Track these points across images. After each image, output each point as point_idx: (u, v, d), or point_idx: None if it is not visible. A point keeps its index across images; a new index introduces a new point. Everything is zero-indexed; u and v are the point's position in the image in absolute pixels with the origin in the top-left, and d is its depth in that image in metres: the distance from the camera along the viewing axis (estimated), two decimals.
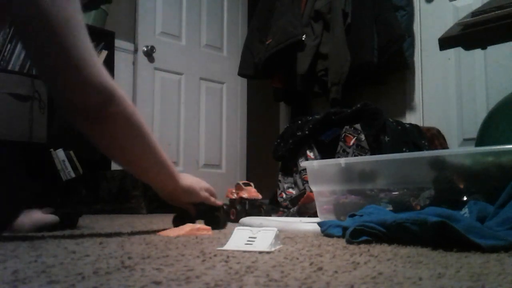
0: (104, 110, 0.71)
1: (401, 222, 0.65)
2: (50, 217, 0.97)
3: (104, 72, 0.71)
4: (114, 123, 0.74)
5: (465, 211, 0.77)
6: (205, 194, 1.00)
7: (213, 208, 1.03)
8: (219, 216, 1.06)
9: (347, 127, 1.82)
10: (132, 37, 2.89)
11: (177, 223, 1.01)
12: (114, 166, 2.64)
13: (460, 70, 2.34)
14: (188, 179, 0.95)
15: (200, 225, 0.90)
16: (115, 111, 0.73)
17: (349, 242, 0.68)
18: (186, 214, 1.01)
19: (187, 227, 0.88)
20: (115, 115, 0.73)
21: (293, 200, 1.90)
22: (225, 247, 0.61)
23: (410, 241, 0.64)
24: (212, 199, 1.03)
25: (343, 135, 1.81)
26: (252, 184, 1.54)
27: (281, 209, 1.91)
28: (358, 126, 1.80)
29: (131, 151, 0.80)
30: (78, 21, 0.68)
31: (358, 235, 0.68)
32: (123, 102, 0.74)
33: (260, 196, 1.49)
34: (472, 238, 0.56)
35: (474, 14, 1.29)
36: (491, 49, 1.72)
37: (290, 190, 2.01)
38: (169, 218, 1.69)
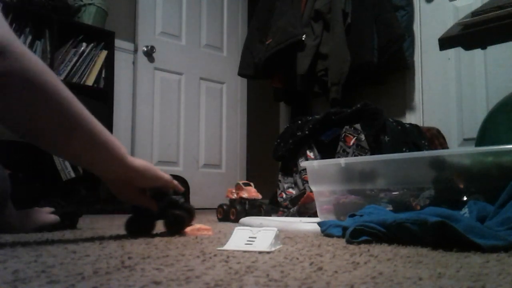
0: None
1: (401, 222, 0.65)
2: (50, 217, 0.97)
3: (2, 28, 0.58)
4: (8, 86, 0.59)
5: (465, 211, 0.77)
6: (166, 175, 0.83)
7: (175, 202, 0.85)
8: (183, 216, 0.85)
9: (347, 127, 1.82)
10: (132, 37, 2.89)
11: (132, 227, 0.85)
12: None
13: (460, 70, 2.34)
14: (139, 160, 0.79)
15: (200, 225, 0.90)
16: (8, 69, 0.58)
17: (349, 242, 0.68)
18: (144, 213, 0.84)
19: (187, 227, 0.88)
20: (7, 75, 0.58)
21: (293, 200, 1.90)
22: (225, 247, 0.61)
23: (410, 241, 0.64)
24: (175, 182, 0.85)
25: (343, 135, 1.81)
26: (252, 184, 1.54)
27: (281, 209, 1.91)
28: (358, 126, 1.80)
29: (43, 127, 0.64)
30: None
31: (358, 235, 0.68)
32: (21, 59, 0.59)
33: (260, 196, 1.49)
34: (472, 238, 0.56)
35: (474, 14, 1.29)
36: (491, 49, 1.72)
37: (290, 190, 2.01)
38: None
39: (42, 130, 0.64)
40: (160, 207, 0.82)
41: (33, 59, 0.61)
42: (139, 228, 0.85)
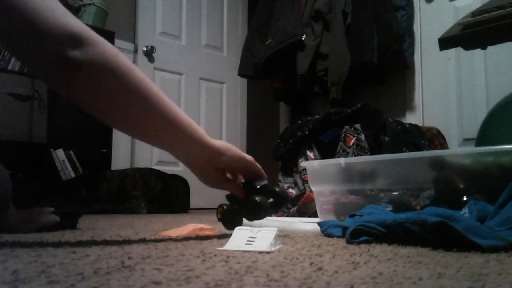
0: (74, 57, 0.58)
1: (401, 222, 0.65)
2: (51, 217, 0.97)
3: (67, 16, 0.59)
4: (92, 72, 0.60)
5: (465, 211, 0.77)
6: (248, 155, 0.79)
7: (262, 188, 0.78)
8: (260, 203, 0.77)
9: (347, 127, 1.82)
10: (132, 37, 2.89)
11: (226, 216, 0.80)
12: (114, 166, 2.65)
13: (460, 70, 2.34)
14: (218, 140, 0.77)
15: (202, 225, 0.90)
16: (90, 56, 0.59)
17: (349, 242, 0.68)
18: (235, 204, 0.80)
19: (189, 227, 0.88)
20: (90, 61, 0.59)
21: (293, 200, 1.90)
22: (225, 247, 0.61)
23: (410, 241, 0.64)
24: (258, 165, 0.80)
25: (343, 135, 1.81)
26: None
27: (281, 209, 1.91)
28: (358, 126, 1.80)
29: (125, 109, 0.65)
30: None
31: (358, 235, 0.68)
32: (100, 45, 0.61)
33: None
34: (472, 238, 0.56)
35: (474, 14, 1.29)
36: (491, 49, 1.72)
37: (290, 190, 2.01)
38: (168, 218, 1.70)
39: (125, 112, 0.65)
40: (248, 189, 0.78)
41: (107, 44, 0.62)
42: (232, 217, 0.80)
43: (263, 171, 0.80)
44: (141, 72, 0.65)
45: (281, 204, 0.78)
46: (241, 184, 0.79)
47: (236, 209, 0.80)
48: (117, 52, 0.63)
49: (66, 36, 0.58)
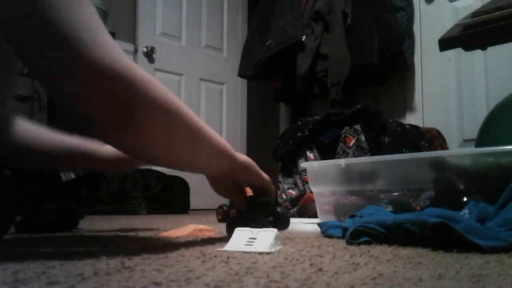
0: (125, 100, 0.50)
1: (401, 223, 0.65)
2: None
3: (116, 51, 0.51)
4: (145, 115, 0.52)
5: (465, 212, 0.77)
6: (265, 174, 0.79)
7: (265, 204, 0.79)
8: (284, 213, 0.81)
9: (347, 127, 1.82)
10: (132, 38, 2.89)
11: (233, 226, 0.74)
12: None
13: (460, 70, 2.34)
14: (243, 156, 0.76)
15: (202, 226, 0.90)
16: (142, 97, 0.51)
17: (349, 243, 0.68)
18: (243, 215, 0.81)
19: (189, 228, 0.88)
20: (142, 104, 0.52)
21: (293, 201, 1.90)
22: (225, 248, 0.61)
23: (410, 242, 0.64)
24: (272, 186, 0.80)
25: (343, 135, 1.81)
26: None
27: None
28: (358, 127, 1.80)
29: (177, 148, 0.61)
30: None
31: (358, 236, 0.68)
32: (151, 86, 0.53)
33: None
34: (473, 239, 0.56)
35: (474, 15, 1.29)
36: (491, 50, 1.72)
37: (290, 191, 2.01)
38: (168, 219, 1.69)
39: (176, 151, 0.61)
40: (253, 202, 0.79)
41: (157, 83, 0.55)
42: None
43: (273, 192, 0.81)
44: (187, 108, 0.61)
45: (279, 226, 0.78)
46: (247, 198, 0.81)
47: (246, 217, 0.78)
48: (166, 91, 0.56)
49: (116, 76, 0.49)
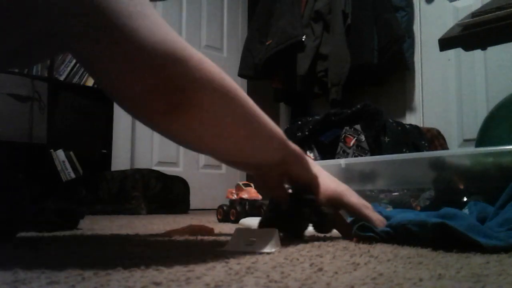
0: (177, 79, 0.45)
1: (404, 223, 0.65)
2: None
3: (161, 26, 0.45)
4: (199, 97, 0.47)
5: (465, 212, 0.77)
6: (315, 168, 0.71)
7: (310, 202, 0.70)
8: (330, 214, 0.71)
9: (347, 127, 1.82)
10: None
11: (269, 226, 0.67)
12: (114, 167, 2.65)
13: (460, 70, 2.34)
14: (293, 143, 0.68)
15: (202, 225, 0.90)
16: (197, 80, 0.47)
17: (355, 234, 0.68)
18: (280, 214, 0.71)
19: (189, 228, 0.88)
20: (196, 83, 0.47)
21: None
22: (225, 248, 0.61)
23: (411, 242, 0.64)
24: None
25: (343, 135, 1.81)
26: (252, 184, 1.54)
27: None
28: (358, 126, 1.80)
29: (233, 135, 0.55)
30: None
31: (365, 230, 0.69)
32: (205, 64, 0.48)
33: (260, 197, 1.49)
34: (474, 236, 0.56)
35: (474, 15, 1.29)
36: (491, 50, 1.72)
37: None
38: (169, 219, 1.69)
39: (230, 137, 0.55)
40: (295, 199, 0.70)
41: (209, 61, 0.50)
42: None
43: (319, 187, 0.72)
44: (242, 90, 0.55)
45: (322, 228, 0.70)
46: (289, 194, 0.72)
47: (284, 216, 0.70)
48: (221, 71, 0.51)
49: (166, 54, 0.44)
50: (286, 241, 0.74)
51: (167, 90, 0.45)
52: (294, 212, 0.69)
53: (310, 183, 0.70)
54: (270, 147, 0.62)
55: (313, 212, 0.69)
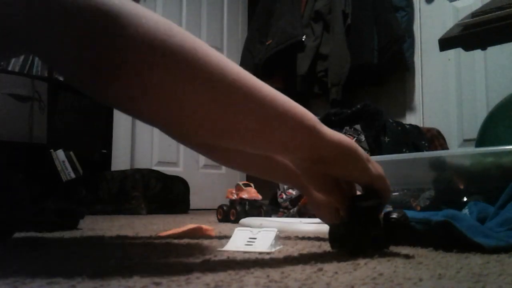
0: (106, 46, 0.38)
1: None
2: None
3: None
4: (136, 62, 0.39)
5: (465, 212, 0.77)
6: (373, 165, 0.55)
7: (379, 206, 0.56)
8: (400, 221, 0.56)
9: (347, 127, 1.82)
10: None
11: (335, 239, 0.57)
12: (114, 167, 2.65)
13: (460, 70, 2.34)
14: (340, 135, 0.53)
15: (202, 225, 0.90)
16: (131, 41, 0.38)
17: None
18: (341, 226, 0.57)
19: (189, 228, 0.88)
20: (134, 50, 0.39)
21: (293, 201, 1.90)
22: (225, 248, 0.61)
23: (414, 241, 0.64)
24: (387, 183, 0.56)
25: None
26: (252, 184, 1.54)
27: (281, 209, 1.91)
28: (358, 126, 1.80)
29: (209, 108, 0.44)
30: None
31: None
32: (145, 21, 0.39)
33: (260, 197, 1.49)
34: (474, 237, 0.56)
35: (474, 15, 1.29)
36: (491, 50, 1.72)
37: (290, 190, 2.01)
38: (169, 219, 1.69)
39: (203, 115, 0.44)
40: (358, 207, 0.56)
41: (155, 16, 0.41)
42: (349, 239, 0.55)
43: (389, 191, 0.57)
44: (220, 56, 0.47)
45: (393, 239, 0.57)
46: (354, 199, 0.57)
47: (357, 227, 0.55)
48: (170, 26, 0.41)
49: (87, 7, 0.37)
50: (286, 241, 0.74)
51: (95, 56, 0.38)
52: (353, 224, 0.55)
53: (370, 184, 0.55)
54: (285, 133, 0.48)
55: (377, 222, 0.55)
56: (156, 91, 0.41)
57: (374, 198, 0.55)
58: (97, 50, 0.38)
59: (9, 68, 2.29)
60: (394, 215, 0.55)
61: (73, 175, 2.36)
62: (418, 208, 0.94)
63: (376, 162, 0.56)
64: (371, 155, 1.72)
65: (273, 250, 0.60)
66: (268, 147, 0.51)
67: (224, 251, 0.60)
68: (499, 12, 1.20)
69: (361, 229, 0.54)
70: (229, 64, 0.47)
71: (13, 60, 2.31)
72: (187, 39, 0.42)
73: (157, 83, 0.40)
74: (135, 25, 0.39)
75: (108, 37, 0.38)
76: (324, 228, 0.81)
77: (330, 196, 0.60)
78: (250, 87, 0.47)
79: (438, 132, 2.13)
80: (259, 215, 1.43)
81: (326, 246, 0.66)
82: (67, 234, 0.90)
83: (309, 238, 0.81)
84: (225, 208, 1.49)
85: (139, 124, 2.83)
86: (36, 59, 2.44)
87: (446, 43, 1.34)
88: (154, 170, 2.53)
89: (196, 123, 0.45)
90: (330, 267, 0.45)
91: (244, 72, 0.48)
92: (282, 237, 0.80)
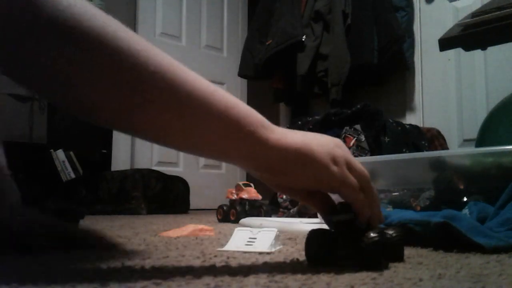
0: (16, 24, 0.35)
1: (405, 222, 0.65)
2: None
3: None
4: (47, 44, 0.36)
5: (465, 212, 0.77)
6: (341, 169, 0.45)
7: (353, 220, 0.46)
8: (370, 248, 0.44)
9: (347, 127, 1.82)
10: None
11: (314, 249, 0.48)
12: (114, 167, 2.65)
13: (460, 70, 2.34)
14: (296, 135, 0.45)
15: (202, 226, 0.90)
16: (45, 17, 0.35)
17: None
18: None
19: (189, 228, 0.88)
20: (43, 28, 0.36)
21: (293, 201, 1.90)
22: (225, 248, 0.61)
23: (414, 242, 0.64)
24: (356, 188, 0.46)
25: (343, 135, 1.81)
26: (252, 184, 1.53)
27: (281, 209, 1.91)
28: (358, 126, 1.80)
29: (119, 101, 0.40)
30: None
31: None
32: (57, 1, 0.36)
33: (260, 197, 1.49)
34: (474, 238, 0.56)
35: (474, 15, 1.29)
36: (491, 49, 1.72)
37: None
38: (168, 219, 1.69)
39: (120, 108, 0.40)
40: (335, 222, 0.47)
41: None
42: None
43: (361, 203, 0.46)
44: (142, 42, 0.42)
45: (368, 264, 0.44)
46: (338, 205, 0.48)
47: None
48: (85, 8, 0.40)
49: None
50: (286, 241, 0.74)
51: (6, 37, 0.36)
52: (333, 238, 0.47)
53: (346, 195, 0.46)
54: (213, 136, 0.43)
55: (349, 240, 0.45)
56: (65, 79, 0.38)
57: (348, 212, 0.46)
58: (7, 27, 0.35)
59: None
60: (372, 235, 0.44)
61: (73, 175, 2.36)
62: (418, 208, 0.94)
63: (360, 166, 0.47)
64: (371, 155, 1.72)
65: (273, 250, 0.60)
66: (205, 152, 0.46)
67: (224, 251, 0.60)
68: (499, 12, 1.20)
69: (325, 244, 0.46)
70: (137, 49, 0.41)
71: None
72: (97, 21, 0.40)
73: (67, 60, 0.37)
74: (51, 4, 0.36)
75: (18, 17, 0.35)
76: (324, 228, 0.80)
77: (305, 201, 0.49)
78: (171, 80, 0.42)
79: (438, 132, 2.13)
80: (259, 215, 1.43)
81: None
82: None
83: None
84: (225, 208, 1.49)
85: None
86: None
87: (446, 43, 1.34)
88: (154, 170, 2.53)
89: (106, 112, 0.41)
90: (330, 267, 0.45)
91: (168, 63, 0.44)
92: (282, 237, 0.81)
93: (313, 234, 0.48)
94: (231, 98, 0.44)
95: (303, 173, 0.44)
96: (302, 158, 0.44)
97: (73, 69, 0.38)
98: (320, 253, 0.47)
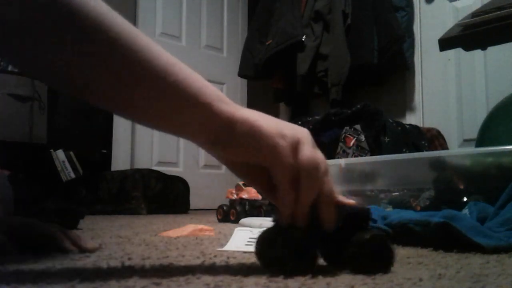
0: None
1: (405, 223, 0.65)
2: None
3: None
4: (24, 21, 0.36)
5: (465, 212, 0.77)
6: (287, 146, 0.41)
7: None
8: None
9: (347, 127, 1.82)
10: None
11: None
12: (114, 167, 2.65)
13: (460, 70, 2.34)
14: (247, 110, 0.45)
15: (202, 226, 0.90)
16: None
17: None
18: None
19: (189, 228, 0.88)
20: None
21: None
22: (225, 248, 0.61)
23: (413, 242, 0.64)
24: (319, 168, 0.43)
25: (343, 135, 1.81)
26: None
27: None
28: (358, 126, 1.80)
29: (89, 75, 0.40)
30: None
31: None
32: None
33: (260, 197, 1.48)
34: (474, 238, 0.56)
35: (474, 15, 1.29)
36: (491, 49, 1.72)
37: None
38: (168, 219, 1.69)
39: (89, 80, 0.41)
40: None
41: None
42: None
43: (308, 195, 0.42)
44: (119, 18, 0.41)
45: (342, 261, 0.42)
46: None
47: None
48: None
49: None
50: None
51: None
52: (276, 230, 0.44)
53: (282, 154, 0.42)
54: (170, 108, 0.43)
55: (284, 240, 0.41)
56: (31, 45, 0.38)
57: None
58: None
59: (9, 68, 2.29)
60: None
61: (73, 175, 2.37)
62: (418, 208, 0.94)
63: (310, 154, 0.42)
64: (371, 155, 1.72)
65: None
66: (161, 124, 0.45)
67: (224, 251, 0.60)
68: (499, 12, 1.20)
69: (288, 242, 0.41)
70: (108, 20, 0.40)
71: None
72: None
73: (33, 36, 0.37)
74: None
75: None
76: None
77: (268, 195, 0.47)
78: (130, 49, 0.41)
79: (438, 132, 2.13)
80: (259, 215, 1.43)
81: None
82: None
83: None
84: (225, 208, 1.49)
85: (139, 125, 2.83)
86: None
87: (446, 43, 1.34)
88: (154, 170, 2.53)
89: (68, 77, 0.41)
90: (330, 267, 0.45)
91: (130, 32, 0.41)
92: None
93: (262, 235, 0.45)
94: (189, 70, 0.45)
95: (248, 145, 0.42)
96: (248, 129, 0.42)
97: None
98: (263, 254, 0.43)
